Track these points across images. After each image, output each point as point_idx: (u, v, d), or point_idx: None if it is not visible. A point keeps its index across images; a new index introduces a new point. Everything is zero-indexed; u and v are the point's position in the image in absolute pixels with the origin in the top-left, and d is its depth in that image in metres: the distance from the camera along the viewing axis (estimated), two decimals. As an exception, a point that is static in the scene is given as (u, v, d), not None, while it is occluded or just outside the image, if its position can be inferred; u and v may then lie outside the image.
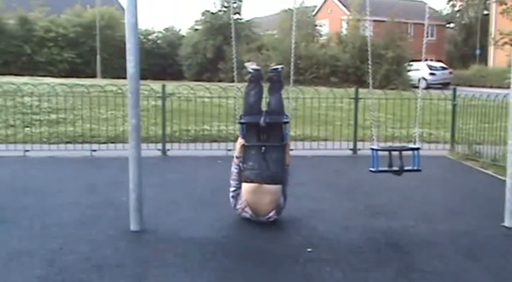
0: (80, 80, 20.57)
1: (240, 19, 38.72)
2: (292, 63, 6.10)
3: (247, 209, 5.39)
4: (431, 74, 34.57)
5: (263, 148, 5.43)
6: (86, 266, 4.38)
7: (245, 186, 5.38)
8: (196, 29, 41.12)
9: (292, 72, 6.09)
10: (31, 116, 11.14)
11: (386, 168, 5.55)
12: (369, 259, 4.63)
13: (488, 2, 43.20)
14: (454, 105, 10.21)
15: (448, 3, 54.58)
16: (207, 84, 13.62)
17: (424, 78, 31.98)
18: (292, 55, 6.13)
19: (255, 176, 5.33)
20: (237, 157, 5.58)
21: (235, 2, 38.18)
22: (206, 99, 11.25)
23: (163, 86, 9.87)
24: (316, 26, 38.03)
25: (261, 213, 5.37)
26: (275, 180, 5.36)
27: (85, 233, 5.18)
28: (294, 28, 6.71)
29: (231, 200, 5.55)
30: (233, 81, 6.33)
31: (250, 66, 6.01)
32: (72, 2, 39.81)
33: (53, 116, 11.69)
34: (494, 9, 34.65)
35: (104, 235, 5.12)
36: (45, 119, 11.16)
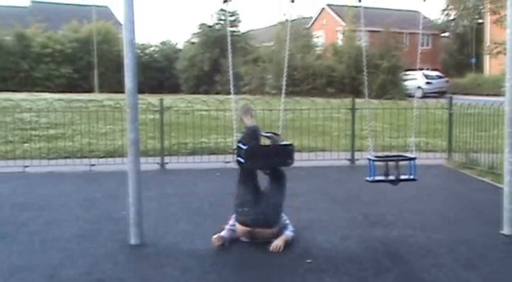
0: (78, 95, 20.64)
1: (237, 32, 38.91)
2: (284, 75, 6.06)
3: (243, 238, 5.37)
4: (428, 82, 34.70)
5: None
6: (87, 280, 4.39)
7: (239, 227, 5.28)
8: (193, 42, 41.35)
9: (284, 84, 6.06)
10: (30, 132, 11.18)
11: (382, 178, 5.58)
12: (367, 269, 4.64)
13: (482, 11, 43.44)
14: (450, 114, 10.26)
15: (442, 13, 54.88)
16: (204, 97, 13.69)
17: (420, 87, 32.10)
18: (286, 66, 6.11)
19: (250, 221, 5.18)
20: None
21: (232, 15, 38.39)
22: (203, 112, 11.30)
23: (161, 100, 9.93)
24: (312, 37, 38.19)
25: (259, 240, 5.32)
26: (270, 226, 5.22)
27: (85, 247, 5.19)
28: (289, 39, 6.75)
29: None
30: (230, 93, 6.32)
31: (246, 120, 5.52)
32: (68, 18, 40.06)
33: (52, 132, 11.73)
34: (488, 18, 34.84)
35: (103, 249, 5.13)
36: (44, 135, 11.19)
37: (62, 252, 5.03)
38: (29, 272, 4.53)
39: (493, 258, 4.95)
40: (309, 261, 4.81)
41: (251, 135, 5.38)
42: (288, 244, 5.17)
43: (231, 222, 5.44)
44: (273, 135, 5.56)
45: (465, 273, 4.56)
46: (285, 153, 5.37)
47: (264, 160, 5.28)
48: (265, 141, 5.63)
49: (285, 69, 6.03)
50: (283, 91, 6.07)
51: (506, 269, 4.71)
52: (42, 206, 6.81)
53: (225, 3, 5.79)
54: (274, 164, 5.35)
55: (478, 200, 7.28)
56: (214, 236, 5.20)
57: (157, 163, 9.60)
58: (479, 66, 43.01)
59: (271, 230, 5.23)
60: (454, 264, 4.76)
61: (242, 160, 5.18)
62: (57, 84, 35.72)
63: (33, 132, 11.39)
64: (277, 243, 5.14)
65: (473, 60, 44.97)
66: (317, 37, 40.06)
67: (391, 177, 5.55)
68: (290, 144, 5.48)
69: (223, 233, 5.29)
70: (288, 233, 5.31)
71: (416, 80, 31.16)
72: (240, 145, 5.26)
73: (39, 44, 36.96)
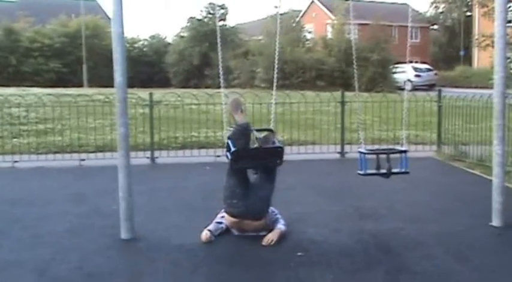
0: (67, 90, 20.51)
1: (226, 25, 38.87)
2: (275, 68, 6.03)
3: (233, 230, 5.38)
4: (417, 75, 34.86)
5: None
6: (78, 275, 4.38)
7: (228, 217, 5.29)
8: (182, 36, 41.25)
9: (275, 78, 6.03)
10: (19, 127, 11.13)
11: (374, 171, 5.60)
12: (358, 261, 4.67)
13: (470, 3, 43.58)
14: (439, 107, 10.30)
15: (431, 6, 55.03)
16: (194, 91, 13.64)
17: (409, 80, 32.21)
18: (276, 60, 6.08)
19: (238, 213, 5.18)
20: None
21: (221, 9, 38.32)
22: (193, 106, 11.27)
23: (151, 94, 9.89)
24: (301, 30, 38.17)
25: (248, 232, 5.32)
26: (257, 218, 5.22)
27: (76, 242, 5.18)
28: (279, 33, 6.73)
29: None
30: (220, 87, 6.29)
31: (237, 116, 5.31)
32: (57, 12, 39.83)
33: (41, 126, 11.67)
34: (477, 10, 34.96)
35: (95, 244, 5.12)
36: (33, 130, 11.13)
37: (52, 247, 5.01)
38: (20, 267, 4.52)
39: (483, 249, 4.99)
40: (300, 254, 4.82)
41: (242, 132, 5.26)
42: (281, 238, 5.19)
43: (219, 215, 5.45)
44: (265, 135, 5.48)
45: (456, 265, 4.60)
46: (274, 154, 5.28)
47: (252, 161, 5.23)
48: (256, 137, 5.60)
49: (276, 63, 6.00)
50: (275, 84, 6.04)
51: (496, 260, 4.75)
52: (32, 201, 6.78)
53: None
54: (263, 165, 5.28)
55: (468, 192, 7.32)
56: (203, 233, 5.21)
57: (148, 157, 9.58)
58: (468, 59, 43.17)
59: (259, 222, 5.25)
60: (445, 256, 4.79)
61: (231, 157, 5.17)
62: (46, 78, 35.50)
63: (22, 127, 11.32)
64: (270, 236, 5.15)
65: (462, 53, 45.15)
66: (307, 31, 40.02)
67: (383, 171, 5.57)
68: (279, 147, 5.34)
69: (210, 227, 5.31)
70: (281, 226, 5.32)
71: (405, 72, 31.24)
72: (229, 142, 5.21)
73: (27, 38, 36.74)
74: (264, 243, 5.09)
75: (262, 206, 5.25)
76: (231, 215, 5.24)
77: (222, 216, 5.41)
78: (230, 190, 5.24)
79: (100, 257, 4.77)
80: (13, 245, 5.12)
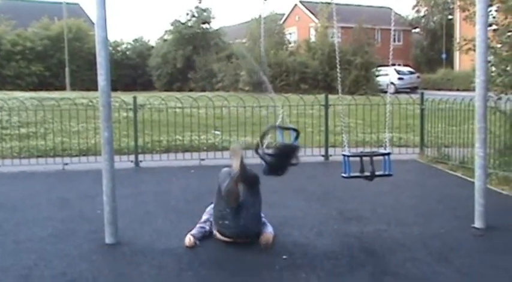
0: (50, 93, 20.39)
1: (209, 28, 38.88)
2: (260, 72, 6.04)
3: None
4: (400, 78, 35.09)
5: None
6: (62, 281, 4.35)
7: (220, 236, 5.25)
8: (166, 39, 41.17)
9: (263, 80, 6.04)
10: (1, 131, 11.04)
11: (358, 174, 5.63)
12: (343, 264, 4.69)
13: (452, 7, 43.96)
14: (422, 109, 10.39)
15: (412, 9, 55.47)
16: (177, 94, 13.61)
17: (392, 83, 32.39)
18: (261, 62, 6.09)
19: (231, 234, 5.15)
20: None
21: (204, 12, 38.31)
22: (177, 110, 11.24)
23: (135, 98, 9.87)
24: (285, 33, 38.28)
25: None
26: (250, 236, 5.19)
27: (60, 247, 5.15)
28: (263, 36, 6.74)
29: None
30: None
31: (233, 162, 5.30)
32: (39, 15, 39.55)
33: (23, 130, 11.58)
34: (458, 14, 35.28)
35: (78, 249, 5.09)
36: (16, 134, 11.04)
37: (36, 253, 4.97)
38: (2, 273, 4.48)
39: (465, 251, 5.03)
40: (284, 257, 4.84)
41: (230, 174, 5.22)
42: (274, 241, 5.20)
43: (203, 218, 5.45)
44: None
45: (438, 266, 4.63)
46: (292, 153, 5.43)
47: (279, 164, 5.39)
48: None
49: (262, 66, 6.01)
50: (263, 88, 6.03)
51: (478, 261, 4.79)
52: (14, 206, 6.73)
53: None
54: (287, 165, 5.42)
55: (450, 194, 7.38)
56: (186, 238, 5.19)
57: (132, 161, 9.55)
58: (450, 62, 43.55)
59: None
60: (428, 258, 4.83)
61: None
62: (28, 82, 35.30)
63: (4, 131, 11.23)
64: (268, 237, 5.16)
65: (444, 56, 45.55)
66: (290, 33, 40.13)
67: (367, 173, 5.61)
68: (296, 146, 5.48)
69: (193, 231, 5.29)
70: (272, 231, 5.30)
71: (388, 75, 31.43)
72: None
73: (9, 41, 36.48)
74: (262, 243, 5.10)
75: (256, 225, 5.23)
76: (224, 235, 5.21)
77: (205, 221, 5.41)
78: (220, 211, 5.20)
79: (84, 262, 4.74)
80: (-4, 250, 5.08)
